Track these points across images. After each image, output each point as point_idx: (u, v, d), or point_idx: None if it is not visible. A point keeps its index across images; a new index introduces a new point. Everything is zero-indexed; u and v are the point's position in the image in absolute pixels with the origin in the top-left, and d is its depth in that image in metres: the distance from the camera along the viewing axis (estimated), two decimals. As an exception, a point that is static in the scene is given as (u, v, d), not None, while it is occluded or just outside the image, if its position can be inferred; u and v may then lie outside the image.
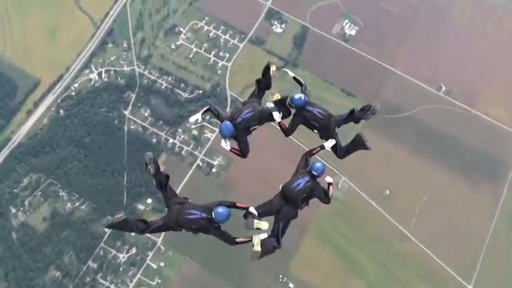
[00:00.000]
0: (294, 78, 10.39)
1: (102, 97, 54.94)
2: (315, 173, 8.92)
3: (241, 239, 8.70)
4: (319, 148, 9.67)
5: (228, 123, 8.85)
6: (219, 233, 8.63)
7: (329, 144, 9.50)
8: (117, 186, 50.77)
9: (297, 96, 9.42)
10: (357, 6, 58.24)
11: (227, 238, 8.70)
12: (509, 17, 58.26)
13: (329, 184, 9.34)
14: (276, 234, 8.88)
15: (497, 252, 47.80)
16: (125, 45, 57.71)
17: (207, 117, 50.01)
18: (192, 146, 52.90)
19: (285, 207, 8.80)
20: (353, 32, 57.08)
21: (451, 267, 47.44)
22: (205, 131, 53.51)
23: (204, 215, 8.46)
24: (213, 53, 57.25)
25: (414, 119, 52.94)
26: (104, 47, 57.64)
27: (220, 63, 56.75)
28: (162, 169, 9.27)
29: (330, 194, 9.22)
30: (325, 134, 9.71)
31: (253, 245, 8.48)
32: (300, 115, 9.55)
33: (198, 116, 9.52)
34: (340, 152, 9.72)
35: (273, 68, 9.51)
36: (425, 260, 47.59)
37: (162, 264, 47.62)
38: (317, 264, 48.25)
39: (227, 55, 57.12)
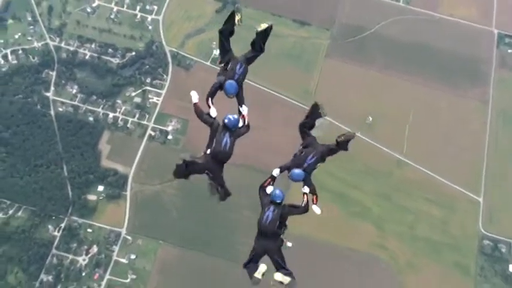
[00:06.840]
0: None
1: (14, 82, 45.08)
2: (277, 201, 8.91)
3: None
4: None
5: (232, 82, 8.75)
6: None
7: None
8: (58, 180, 41.39)
9: (297, 171, 9.12)
10: None
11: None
12: None
13: (304, 194, 9.28)
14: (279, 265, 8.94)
15: (499, 156, 43.46)
16: (29, 18, 47.90)
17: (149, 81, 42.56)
18: (137, 115, 44.36)
19: (264, 241, 8.94)
20: (292, -44, 50.61)
21: (456, 182, 42.52)
22: (150, 96, 45.11)
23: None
24: (138, 8, 48.89)
25: (378, 36, 47.65)
26: (2, 24, 47.32)
27: (149, 17, 48.44)
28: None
29: (304, 202, 9.26)
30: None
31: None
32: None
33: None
34: (333, 151, 9.71)
35: (237, 17, 8.80)
36: (428, 182, 42.34)
37: (133, 256, 38.88)
38: (313, 215, 41.48)
39: (155, 7, 48.94)
